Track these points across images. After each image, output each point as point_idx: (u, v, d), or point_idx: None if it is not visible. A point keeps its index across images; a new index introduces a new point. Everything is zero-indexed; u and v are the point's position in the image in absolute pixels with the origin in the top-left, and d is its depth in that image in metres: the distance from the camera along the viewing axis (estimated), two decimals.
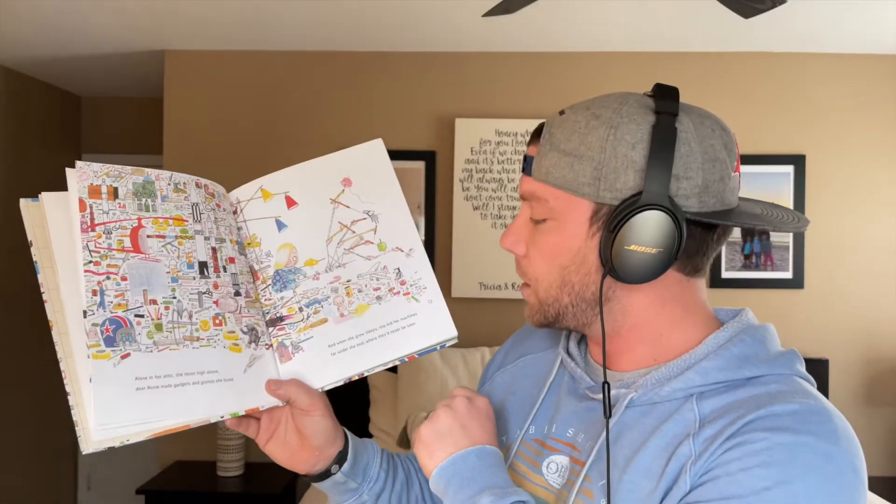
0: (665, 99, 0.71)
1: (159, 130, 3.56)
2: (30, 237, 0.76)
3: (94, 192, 0.76)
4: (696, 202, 0.69)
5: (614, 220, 0.68)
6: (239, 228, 0.87)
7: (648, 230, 0.67)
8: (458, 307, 3.08)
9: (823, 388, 2.95)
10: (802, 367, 0.73)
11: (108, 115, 4.14)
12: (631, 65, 3.10)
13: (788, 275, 3.04)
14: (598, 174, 0.69)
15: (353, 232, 0.87)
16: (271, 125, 3.18)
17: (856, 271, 3.05)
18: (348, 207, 0.88)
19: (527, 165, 0.76)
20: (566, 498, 0.72)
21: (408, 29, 2.86)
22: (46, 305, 0.74)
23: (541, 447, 0.79)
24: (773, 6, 1.45)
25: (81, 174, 0.77)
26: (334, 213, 0.87)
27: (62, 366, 0.73)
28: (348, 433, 0.89)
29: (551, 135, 0.73)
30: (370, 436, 2.86)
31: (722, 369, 0.70)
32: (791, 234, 3.02)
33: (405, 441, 2.60)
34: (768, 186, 3.05)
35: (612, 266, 0.69)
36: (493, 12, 1.62)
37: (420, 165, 3.13)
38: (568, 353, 0.84)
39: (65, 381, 0.72)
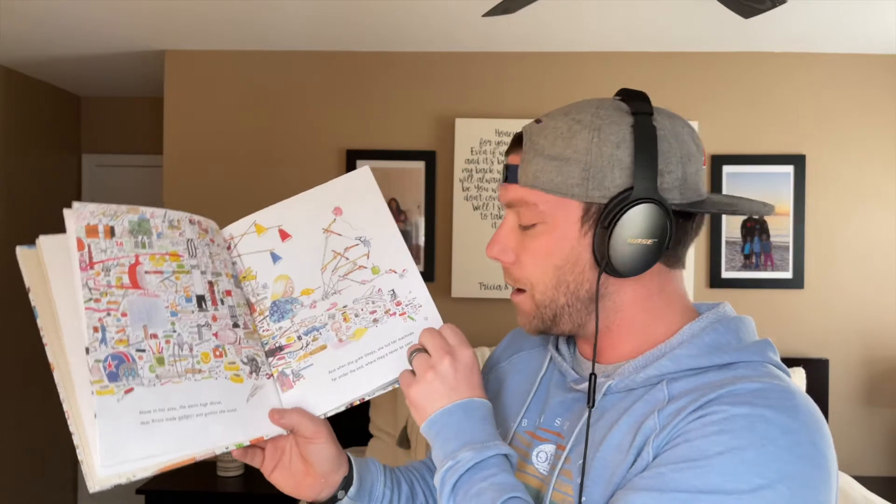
0: (637, 101, 0.75)
1: (159, 130, 3.57)
2: (27, 283, 0.77)
3: (92, 231, 0.78)
4: (678, 194, 0.74)
5: (608, 216, 0.72)
6: (234, 263, 0.88)
7: (643, 222, 0.71)
8: (458, 307, 3.08)
9: (823, 388, 2.95)
10: (776, 356, 0.75)
11: (108, 115, 4.14)
12: (631, 64, 3.10)
13: (788, 275, 3.04)
14: (586, 175, 0.72)
15: (347, 258, 0.89)
16: (271, 125, 3.18)
17: (856, 271, 3.05)
18: (340, 235, 0.90)
19: (510, 174, 0.78)
20: (549, 481, 0.76)
21: (408, 29, 2.86)
22: (47, 348, 0.75)
23: (531, 438, 0.82)
24: (773, 6, 1.45)
25: (79, 215, 0.78)
26: (327, 242, 0.89)
27: (65, 406, 0.73)
28: (350, 456, 0.90)
29: (533, 142, 0.75)
30: (370, 436, 2.86)
31: (694, 356, 0.73)
32: (791, 234, 3.02)
33: (405, 441, 2.60)
34: (768, 186, 3.05)
35: (609, 261, 0.72)
36: (492, 12, 1.62)
37: (420, 165, 3.13)
38: (557, 349, 0.87)
39: (68, 422, 0.73)
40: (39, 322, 0.76)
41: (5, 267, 3.47)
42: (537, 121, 0.77)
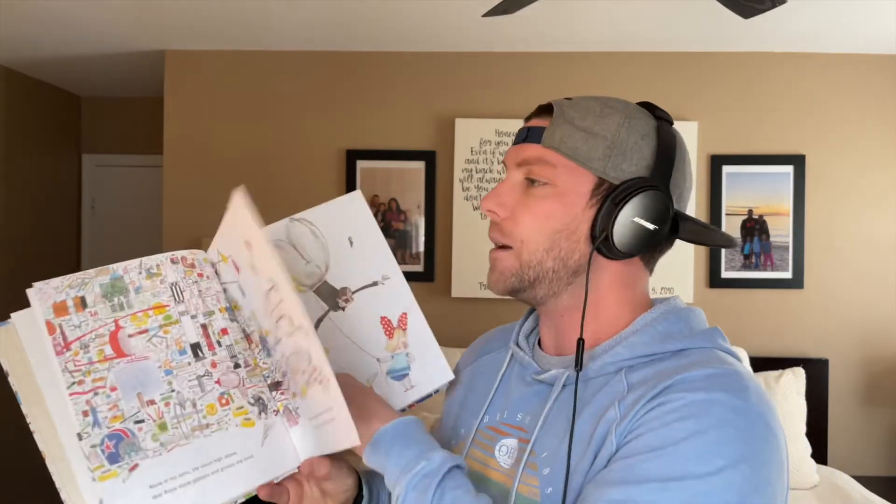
0: (659, 110, 0.81)
1: (159, 130, 3.57)
2: (5, 367, 0.71)
3: (60, 309, 0.72)
4: (675, 201, 0.79)
5: (621, 195, 0.76)
6: (225, 290, 0.82)
7: (652, 207, 0.76)
8: (458, 307, 3.08)
9: (823, 388, 2.95)
10: (725, 343, 0.78)
11: (108, 115, 4.14)
12: (631, 65, 3.10)
13: (788, 275, 3.04)
14: (609, 153, 0.76)
15: (272, 304, 0.79)
16: (271, 125, 3.18)
17: (855, 271, 3.05)
18: (257, 276, 0.80)
19: (531, 134, 0.80)
20: (514, 475, 0.77)
21: (408, 29, 2.86)
22: (36, 436, 0.70)
23: (494, 433, 0.84)
24: (773, 6, 1.46)
25: (42, 294, 0.72)
26: (256, 282, 0.80)
27: (63, 495, 0.69)
28: (357, 469, 0.90)
29: (563, 112, 0.79)
30: None
31: (647, 343, 0.76)
32: (791, 234, 3.03)
33: None
34: (768, 186, 3.05)
35: (608, 236, 0.76)
36: (492, 12, 1.62)
37: (420, 165, 3.13)
38: (518, 345, 0.88)
39: None
40: (24, 408, 0.70)
41: (5, 264, 3.47)
42: (567, 98, 0.80)
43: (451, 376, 0.89)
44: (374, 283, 0.88)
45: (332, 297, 0.87)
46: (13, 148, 3.58)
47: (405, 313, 0.89)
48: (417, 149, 3.15)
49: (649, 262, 0.82)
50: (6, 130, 3.52)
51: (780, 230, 3.04)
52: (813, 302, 3.06)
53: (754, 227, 3.05)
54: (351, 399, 0.73)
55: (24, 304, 0.72)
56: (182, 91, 3.20)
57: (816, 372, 2.93)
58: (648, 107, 0.81)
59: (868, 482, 2.73)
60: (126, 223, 4.05)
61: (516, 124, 3.06)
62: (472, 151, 3.09)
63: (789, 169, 3.04)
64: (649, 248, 0.77)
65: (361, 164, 3.14)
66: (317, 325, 0.85)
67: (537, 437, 0.77)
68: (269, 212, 0.88)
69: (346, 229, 0.88)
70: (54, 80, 3.80)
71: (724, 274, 3.05)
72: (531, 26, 2.77)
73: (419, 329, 0.89)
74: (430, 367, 0.88)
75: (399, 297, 0.89)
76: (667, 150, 0.77)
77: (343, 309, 0.87)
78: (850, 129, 3.06)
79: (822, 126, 3.06)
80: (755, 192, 3.04)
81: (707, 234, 0.82)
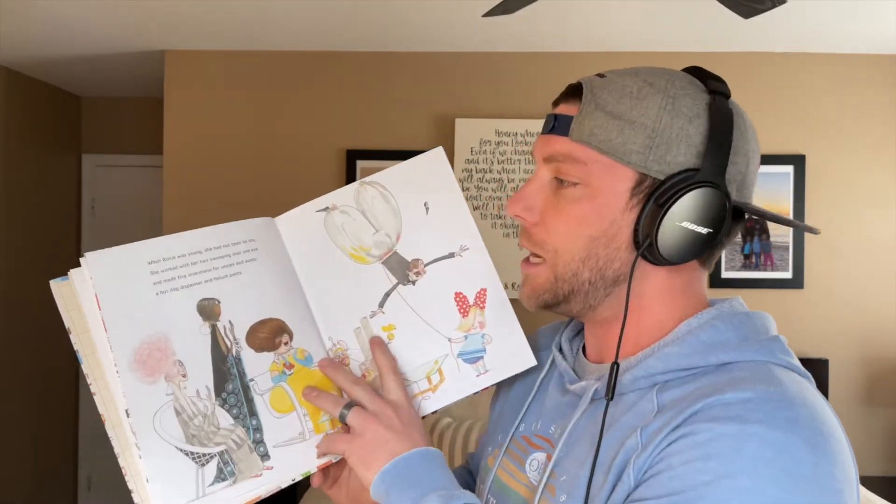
0: (713, 80, 0.68)
1: (159, 130, 3.57)
2: (67, 324, 0.68)
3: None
4: (735, 190, 0.67)
5: (666, 193, 0.64)
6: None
7: (703, 209, 0.63)
8: None
9: (823, 388, 2.95)
10: (787, 357, 0.66)
11: (108, 115, 4.14)
12: (632, 64, 3.09)
13: (788, 275, 3.04)
14: (650, 143, 0.64)
15: None
16: (271, 125, 3.18)
17: (855, 271, 3.05)
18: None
19: (559, 125, 0.68)
20: (535, 494, 0.70)
21: (408, 29, 2.86)
22: (95, 397, 0.68)
23: (527, 444, 0.76)
24: (773, 6, 1.45)
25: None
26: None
27: (120, 462, 0.67)
28: None
29: (595, 95, 0.67)
30: None
31: (686, 356, 0.65)
32: (791, 234, 3.03)
33: None
34: (768, 186, 3.04)
35: (653, 242, 0.64)
36: (492, 12, 1.62)
37: None
38: (560, 350, 0.80)
39: (126, 479, 0.67)
40: (84, 368, 0.68)
41: (5, 264, 3.47)
42: (600, 75, 0.69)
43: (534, 362, 0.78)
44: (451, 255, 0.79)
45: (401, 270, 0.78)
46: (13, 148, 3.57)
47: (484, 289, 0.79)
48: (417, 149, 3.14)
49: (707, 261, 0.70)
50: (6, 130, 3.51)
51: (780, 230, 3.03)
52: (813, 302, 3.06)
53: (754, 226, 3.05)
54: (359, 433, 0.71)
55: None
56: (182, 91, 3.20)
57: (816, 372, 2.93)
58: (700, 75, 0.68)
59: (868, 482, 2.74)
60: (126, 223, 4.05)
61: (516, 124, 3.06)
62: (472, 151, 3.09)
63: (789, 169, 3.04)
64: (704, 251, 0.65)
65: (361, 164, 3.14)
66: (383, 300, 0.78)
67: (559, 457, 0.68)
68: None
69: (422, 193, 0.79)
70: (54, 80, 3.80)
71: (725, 274, 3.05)
72: (531, 26, 2.77)
73: (500, 308, 0.79)
74: (510, 350, 0.78)
75: (478, 270, 0.79)
76: (722, 134, 0.63)
77: (413, 283, 0.78)
78: (850, 129, 3.06)
79: (822, 126, 3.06)
80: (755, 192, 3.04)
81: (778, 219, 0.71)
